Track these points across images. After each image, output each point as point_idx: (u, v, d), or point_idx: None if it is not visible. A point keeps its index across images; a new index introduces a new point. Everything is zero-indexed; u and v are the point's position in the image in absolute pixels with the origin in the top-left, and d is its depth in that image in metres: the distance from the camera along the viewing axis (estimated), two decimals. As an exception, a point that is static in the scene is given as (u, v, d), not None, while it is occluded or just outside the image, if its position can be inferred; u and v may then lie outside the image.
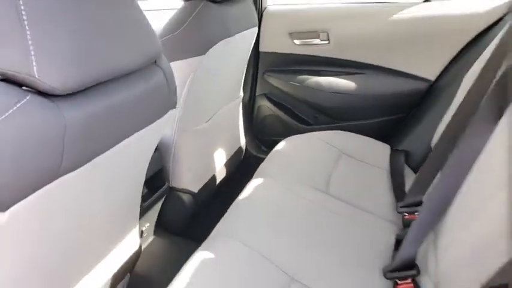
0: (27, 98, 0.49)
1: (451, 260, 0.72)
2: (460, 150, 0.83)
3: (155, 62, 0.71)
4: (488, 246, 0.60)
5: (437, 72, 1.43)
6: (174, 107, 0.77)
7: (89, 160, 0.57)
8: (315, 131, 1.50)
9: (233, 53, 1.27)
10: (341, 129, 1.49)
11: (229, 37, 1.18)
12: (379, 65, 1.51)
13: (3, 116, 0.46)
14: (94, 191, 0.67)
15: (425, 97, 1.46)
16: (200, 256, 0.84)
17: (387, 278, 0.85)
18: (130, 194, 0.88)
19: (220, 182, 1.45)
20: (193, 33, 1.07)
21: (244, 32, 1.28)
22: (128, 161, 0.72)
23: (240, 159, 1.64)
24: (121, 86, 0.60)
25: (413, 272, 0.83)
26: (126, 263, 1.00)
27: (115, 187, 0.75)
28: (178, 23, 1.07)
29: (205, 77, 1.16)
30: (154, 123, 0.70)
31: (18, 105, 0.48)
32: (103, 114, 0.56)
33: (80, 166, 0.55)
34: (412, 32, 1.44)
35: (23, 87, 0.50)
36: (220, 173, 1.45)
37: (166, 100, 0.73)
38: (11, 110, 0.47)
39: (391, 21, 1.46)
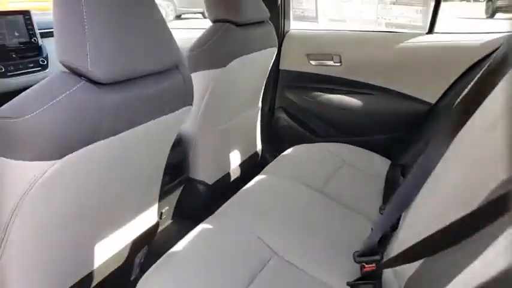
0: (82, 83, 0.72)
1: None
2: (423, 158, 0.99)
3: (177, 67, 0.93)
4: None
5: (437, 96, 1.58)
6: (190, 105, 0.99)
7: (119, 132, 0.79)
8: (325, 142, 1.68)
9: (251, 68, 1.48)
10: (348, 143, 1.66)
11: (248, 54, 1.40)
12: (385, 86, 1.68)
13: (65, 94, 0.70)
14: (124, 160, 0.89)
15: (425, 118, 1.61)
16: (199, 230, 1.04)
17: (356, 262, 1.00)
18: (152, 172, 1.10)
19: (234, 179, 1.65)
20: (216, 49, 1.30)
21: (263, 51, 1.49)
22: (151, 141, 0.94)
23: (255, 163, 1.83)
24: (147, 82, 0.83)
25: (377, 257, 0.98)
26: (145, 233, 1.21)
27: (140, 162, 0.98)
28: (205, 40, 1.31)
29: (225, 86, 1.37)
30: (171, 114, 0.92)
31: (75, 88, 0.71)
32: (132, 101, 0.79)
33: (113, 135, 0.78)
34: (415, 59, 1.61)
35: (81, 77, 0.74)
36: (235, 171, 1.65)
37: (182, 98, 0.95)
38: (71, 90, 0.71)
39: (397, 48, 1.63)
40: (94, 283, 1.07)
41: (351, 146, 1.63)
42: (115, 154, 0.84)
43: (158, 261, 0.93)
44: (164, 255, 0.94)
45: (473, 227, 0.51)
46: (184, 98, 0.96)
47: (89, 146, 0.74)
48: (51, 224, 0.83)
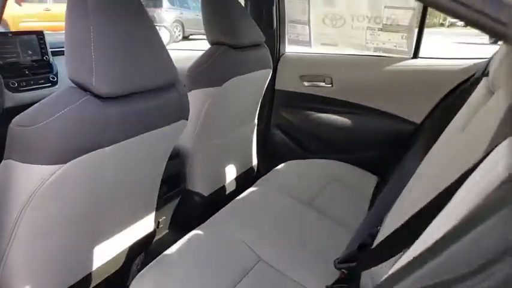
0: (87, 97, 0.82)
1: None
2: (398, 171, 1.08)
3: (174, 85, 1.03)
4: None
5: (422, 116, 1.67)
6: (186, 119, 1.09)
7: (120, 141, 0.89)
8: (317, 158, 1.77)
9: (246, 87, 1.59)
10: (338, 160, 1.75)
11: (243, 75, 1.50)
12: (373, 107, 1.77)
13: (72, 106, 0.80)
14: (123, 168, 0.99)
15: (411, 137, 1.70)
16: (191, 235, 1.12)
17: (336, 268, 1.08)
18: (150, 181, 1.19)
19: (230, 192, 1.73)
20: (213, 70, 1.40)
21: (258, 72, 1.60)
22: (149, 151, 1.04)
23: (250, 177, 1.92)
24: (146, 97, 0.93)
25: (355, 263, 1.05)
26: (142, 240, 1.29)
27: (139, 170, 1.07)
28: (203, 61, 1.42)
29: (221, 104, 1.48)
30: (168, 126, 1.02)
31: (80, 101, 0.82)
32: (131, 114, 0.89)
33: (114, 143, 0.87)
34: (401, 81, 1.71)
35: (87, 91, 0.84)
36: (230, 185, 1.74)
37: (178, 112, 1.05)
38: (77, 103, 0.81)
39: (385, 71, 1.74)
40: (92, 285, 1.14)
41: (340, 162, 1.72)
42: (115, 161, 0.94)
43: (151, 263, 1.01)
44: (157, 258, 1.03)
45: (424, 222, 0.59)
46: (180, 112, 1.06)
47: (92, 152, 0.84)
48: (55, 223, 0.92)
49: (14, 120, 0.81)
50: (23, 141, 0.80)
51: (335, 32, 1.86)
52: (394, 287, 0.39)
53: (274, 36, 1.92)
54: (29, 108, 0.83)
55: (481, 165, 0.48)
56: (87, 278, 1.09)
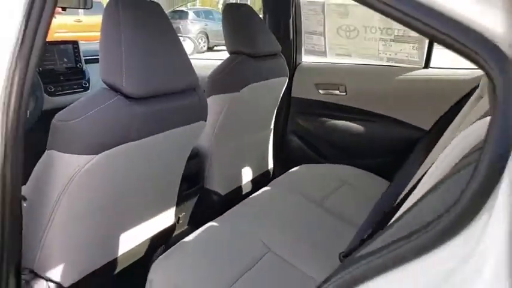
0: (117, 97, 0.94)
1: None
2: (401, 174, 1.15)
3: (194, 89, 1.14)
4: None
5: (431, 123, 1.74)
6: (204, 120, 1.20)
7: (145, 137, 1.00)
8: (331, 163, 1.86)
9: (263, 94, 1.69)
10: (352, 165, 1.82)
11: (259, 82, 1.61)
12: (385, 114, 1.85)
13: (104, 105, 0.93)
14: (147, 161, 1.10)
15: (419, 143, 1.76)
16: (207, 226, 1.22)
17: (340, 261, 1.15)
18: (171, 177, 1.30)
19: (246, 192, 1.83)
20: (231, 77, 1.52)
21: (274, 79, 1.70)
22: (170, 148, 1.15)
23: (266, 180, 2.01)
24: (169, 99, 1.05)
25: None
26: (162, 232, 1.39)
27: (161, 165, 1.18)
28: (222, 69, 1.53)
29: (238, 109, 1.58)
30: (188, 125, 1.13)
31: (111, 101, 0.94)
32: (156, 113, 1.01)
33: (140, 139, 0.99)
34: (412, 90, 1.78)
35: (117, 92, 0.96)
36: (246, 186, 1.84)
37: (197, 114, 1.16)
38: (108, 102, 0.93)
39: (396, 80, 1.81)
40: (117, 270, 1.26)
41: (353, 167, 1.79)
42: (140, 156, 1.05)
43: (170, 249, 1.11)
44: (175, 245, 1.13)
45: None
46: (199, 114, 1.17)
47: (120, 146, 0.96)
48: (87, 209, 1.04)
49: (56, 115, 0.94)
50: (63, 134, 0.93)
51: (349, 43, 1.95)
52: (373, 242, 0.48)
53: (291, 46, 2.02)
54: (69, 106, 0.96)
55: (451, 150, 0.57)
56: (113, 262, 1.20)
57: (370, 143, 1.90)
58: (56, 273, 1.04)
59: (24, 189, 0.97)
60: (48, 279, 1.03)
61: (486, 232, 0.38)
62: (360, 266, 0.47)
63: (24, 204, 0.97)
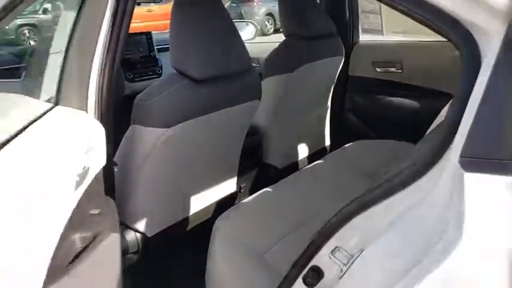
0: (185, 81, 1.12)
1: None
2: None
3: (248, 70, 1.29)
4: None
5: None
6: (258, 99, 1.34)
7: (208, 113, 1.17)
8: (386, 139, 1.91)
9: (318, 73, 1.79)
10: (406, 140, 1.86)
11: (314, 62, 1.70)
12: (441, 90, 1.85)
13: (174, 87, 1.11)
14: (210, 135, 1.28)
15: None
16: (264, 190, 1.36)
17: None
18: (232, 149, 1.47)
19: (302, 167, 1.95)
20: (286, 58, 1.64)
21: (329, 59, 1.79)
22: (231, 122, 1.32)
23: (322, 156, 2.12)
24: (227, 80, 1.20)
25: None
26: (226, 197, 1.57)
27: (222, 139, 1.36)
28: (278, 51, 1.66)
29: (294, 88, 1.70)
30: (244, 103, 1.28)
31: (180, 84, 1.11)
32: (217, 92, 1.19)
33: (204, 115, 1.16)
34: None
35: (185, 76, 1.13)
36: (303, 161, 1.96)
37: (251, 93, 1.32)
38: (177, 85, 1.11)
39: (453, 57, 1.78)
40: (189, 227, 1.46)
41: (409, 143, 1.83)
42: (204, 129, 1.24)
43: (232, 207, 1.28)
44: (236, 204, 1.30)
45: None
46: (253, 93, 1.33)
47: (188, 121, 1.14)
48: (165, 173, 1.25)
49: (137, 96, 1.15)
50: (143, 111, 1.13)
51: (405, 20, 1.96)
52: None
53: (347, 26, 2.08)
54: (147, 88, 1.15)
55: None
56: (186, 220, 1.41)
57: (426, 119, 1.91)
58: (141, 225, 1.27)
59: (115, 157, 1.19)
60: (136, 230, 1.26)
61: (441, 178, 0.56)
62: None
63: (116, 169, 1.19)
